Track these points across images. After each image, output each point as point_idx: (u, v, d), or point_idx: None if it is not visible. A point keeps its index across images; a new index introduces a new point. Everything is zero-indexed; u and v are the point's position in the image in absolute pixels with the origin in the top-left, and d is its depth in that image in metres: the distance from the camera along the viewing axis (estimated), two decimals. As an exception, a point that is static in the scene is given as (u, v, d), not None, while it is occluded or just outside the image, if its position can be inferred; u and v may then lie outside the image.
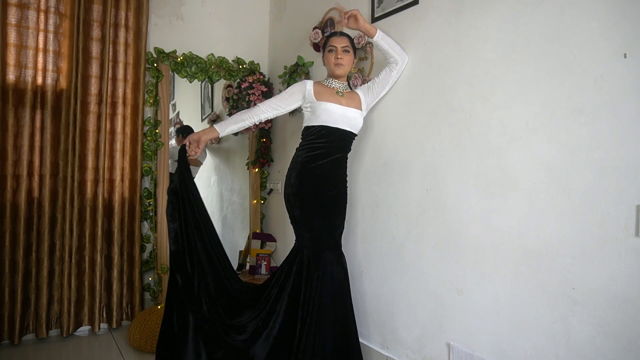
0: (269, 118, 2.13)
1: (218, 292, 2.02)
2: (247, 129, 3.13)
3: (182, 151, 2.06)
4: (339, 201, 2.12)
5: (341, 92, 2.12)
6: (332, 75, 2.14)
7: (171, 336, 1.95)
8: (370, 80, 2.22)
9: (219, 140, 3.55)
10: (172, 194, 2.02)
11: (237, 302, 2.05)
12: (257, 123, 2.14)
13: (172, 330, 1.95)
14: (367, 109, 2.20)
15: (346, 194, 2.18)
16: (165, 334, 1.98)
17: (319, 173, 2.05)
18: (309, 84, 2.11)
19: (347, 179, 2.20)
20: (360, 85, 2.32)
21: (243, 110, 2.12)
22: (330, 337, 1.95)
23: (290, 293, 2.02)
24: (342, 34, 2.13)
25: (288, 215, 2.13)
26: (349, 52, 2.10)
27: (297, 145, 2.14)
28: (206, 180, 3.64)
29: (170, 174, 2.06)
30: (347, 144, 2.12)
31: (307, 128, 2.10)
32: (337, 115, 2.04)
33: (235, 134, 3.25)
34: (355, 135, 2.14)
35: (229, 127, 2.07)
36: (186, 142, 2.05)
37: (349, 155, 2.19)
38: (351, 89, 2.23)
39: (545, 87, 1.55)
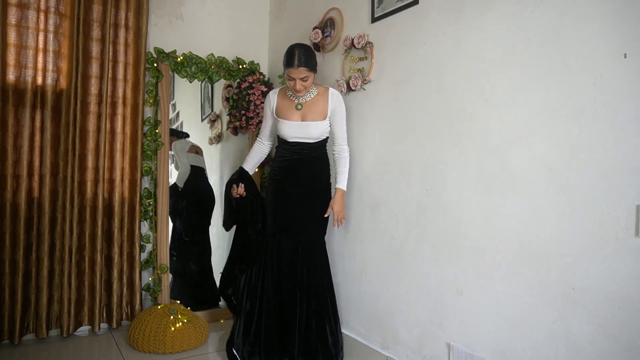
0: (270, 146, 2.53)
1: None
2: (247, 129, 3.15)
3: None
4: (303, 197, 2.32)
5: (300, 106, 2.27)
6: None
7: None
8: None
9: (219, 139, 3.55)
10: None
11: None
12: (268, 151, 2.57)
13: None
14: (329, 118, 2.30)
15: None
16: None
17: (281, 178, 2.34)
18: (272, 100, 2.34)
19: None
20: (360, 85, 2.32)
21: (252, 149, 2.56)
22: None
23: None
24: (299, 64, 2.13)
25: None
26: (307, 79, 2.19)
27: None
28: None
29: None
30: (308, 151, 2.28)
31: (278, 136, 2.37)
32: (292, 131, 2.27)
33: (236, 133, 3.27)
34: (319, 142, 2.29)
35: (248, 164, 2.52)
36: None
37: (349, 154, 2.35)
38: (314, 93, 2.30)
39: (545, 87, 1.55)
